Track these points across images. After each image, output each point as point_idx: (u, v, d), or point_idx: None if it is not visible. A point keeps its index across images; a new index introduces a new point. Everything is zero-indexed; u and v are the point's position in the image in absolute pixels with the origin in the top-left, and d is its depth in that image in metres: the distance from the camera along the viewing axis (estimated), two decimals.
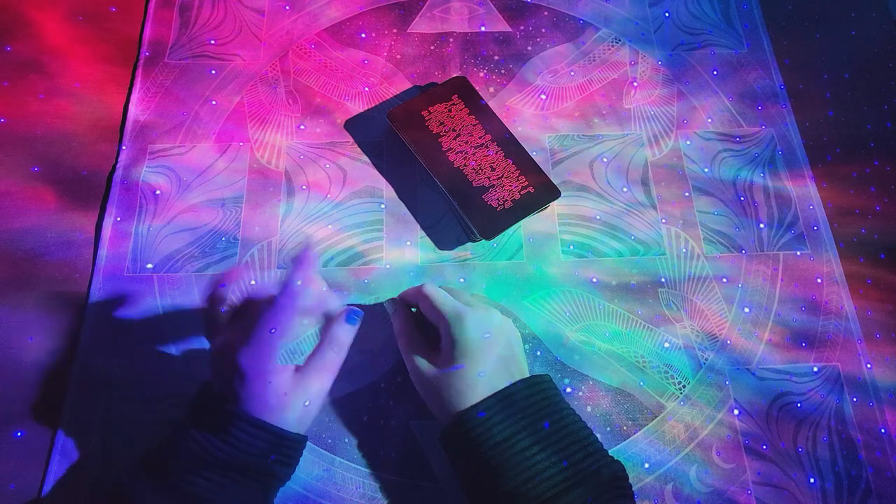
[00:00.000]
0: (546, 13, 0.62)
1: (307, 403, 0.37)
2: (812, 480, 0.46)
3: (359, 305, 0.49)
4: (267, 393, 0.36)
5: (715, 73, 0.60)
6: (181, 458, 0.34)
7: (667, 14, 0.63)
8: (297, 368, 0.38)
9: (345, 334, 0.40)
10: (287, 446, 0.36)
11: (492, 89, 0.58)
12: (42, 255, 0.49)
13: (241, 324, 0.37)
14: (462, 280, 0.50)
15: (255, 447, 0.35)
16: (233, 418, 0.35)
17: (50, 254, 0.49)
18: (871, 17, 0.63)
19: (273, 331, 0.36)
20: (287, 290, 0.36)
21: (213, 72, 0.57)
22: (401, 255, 0.51)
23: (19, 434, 0.44)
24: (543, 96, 0.58)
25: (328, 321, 0.40)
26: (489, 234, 0.49)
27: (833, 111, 0.59)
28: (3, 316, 0.47)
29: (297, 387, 0.37)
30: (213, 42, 0.58)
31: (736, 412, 0.47)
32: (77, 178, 0.52)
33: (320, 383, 0.38)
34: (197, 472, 0.34)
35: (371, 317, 0.49)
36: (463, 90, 0.55)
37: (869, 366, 0.49)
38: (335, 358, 0.39)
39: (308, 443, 0.44)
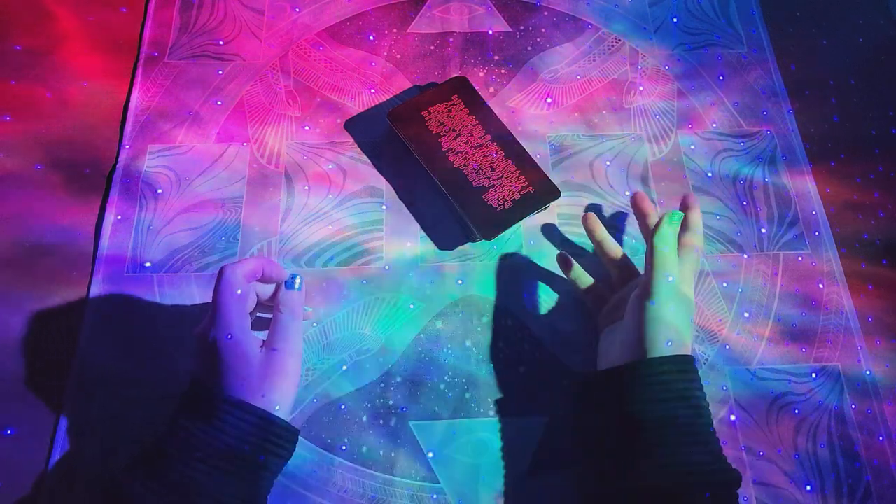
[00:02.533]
0: (546, 13, 0.62)
1: (283, 374, 0.38)
2: (812, 481, 0.45)
3: (358, 306, 0.49)
4: (243, 366, 0.36)
5: (721, 78, 0.60)
6: (172, 450, 0.35)
7: (675, 20, 0.63)
8: (263, 342, 0.39)
9: (291, 298, 0.41)
10: (274, 432, 0.36)
11: (492, 89, 0.58)
12: (42, 253, 0.49)
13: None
14: (460, 282, 0.50)
15: (240, 429, 0.35)
16: (216, 401, 0.35)
17: (50, 252, 0.49)
18: (878, 24, 0.63)
19: (239, 292, 0.38)
20: (230, 265, 0.39)
21: (220, 72, 0.57)
22: (401, 255, 0.51)
23: (9, 432, 0.44)
24: (549, 100, 0.58)
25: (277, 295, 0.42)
26: (489, 234, 0.49)
27: (838, 117, 0.59)
28: (3, 314, 0.47)
29: (268, 357, 0.38)
30: (221, 43, 0.58)
31: (735, 412, 0.47)
32: (78, 176, 0.52)
33: (287, 348, 0.39)
34: (188, 462, 0.34)
35: (371, 317, 0.49)
36: (463, 90, 0.55)
37: (868, 372, 0.49)
38: (290, 320, 0.40)
39: (308, 443, 0.44)
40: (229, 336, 0.37)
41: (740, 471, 0.46)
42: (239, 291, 0.38)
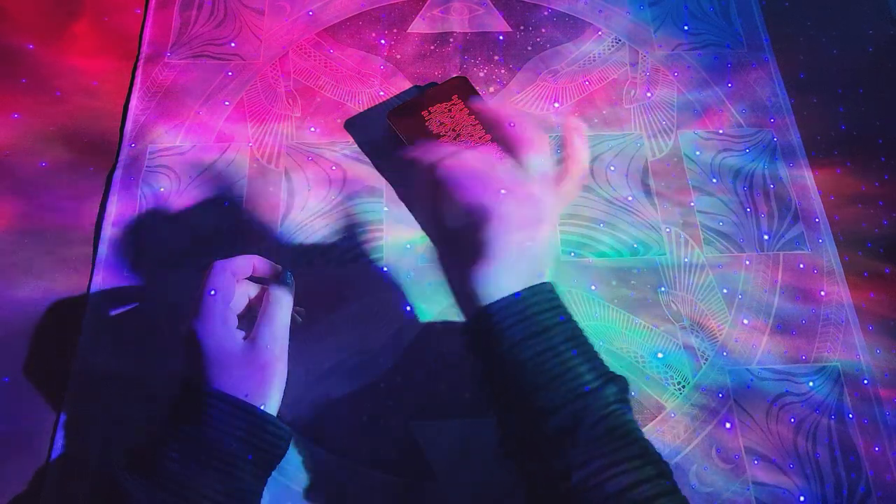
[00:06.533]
0: (546, 13, 0.62)
1: (266, 368, 0.38)
2: (811, 482, 0.46)
3: (358, 306, 0.49)
4: (224, 360, 0.37)
5: (722, 79, 0.60)
6: (163, 447, 0.35)
7: (685, 27, 0.63)
8: (247, 335, 0.39)
9: (282, 292, 0.41)
10: (260, 427, 0.36)
11: (492, 89, 0.58)
12: (43, 251, 0.49)
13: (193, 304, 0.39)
14: None
15: (224, 423, 0.35)
16: (200, 396, 0.36)
17: (51, 251, 0.49)
18: (889, 34, 0.63)
19: (213, 292, 0.38)
20: (220, 261, 0.40)
21: (220, 72, 0.57)
22: (400, 255, 0.51)
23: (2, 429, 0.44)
24: (556, 104, 0.58)
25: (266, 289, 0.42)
26: None
27: (845, 125, 0.58)
28: (3, 312, 0.47)
29: (251, 351, 0.38)
30: (233, 45, 0.58)
31: (735, 412, 0.47)
32: (82, 174, 0.52)
33: (270, 341, 0.38)
34: (177, 459, 0.34)
35: (371, 317, 0.49)
36: (463, 90, 0.55)
37: (867, 381, 0.49)
38: (279, 313, 0.40)
39: (308, 443, 0.44)
40: (210, 330, 0.37)
41: (738, 469, 0.46)
42: (221, 289, 0.38)
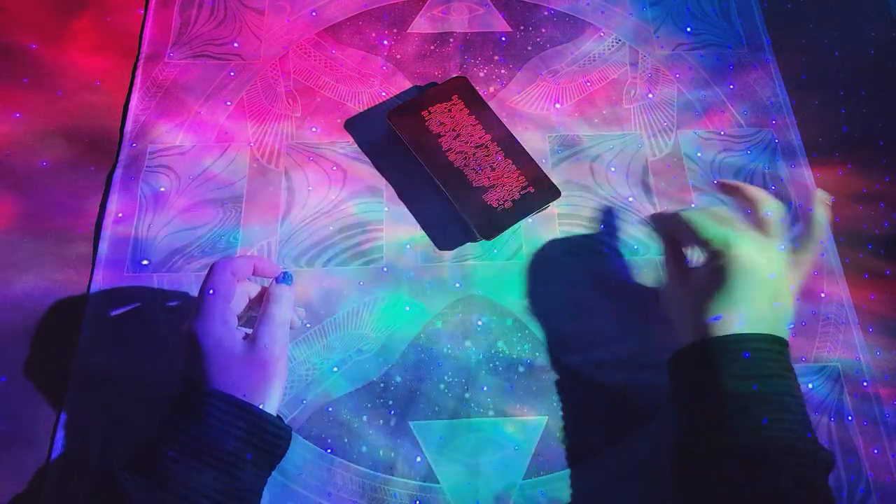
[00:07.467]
0: (546, 13, 0.62)
1: (265, 367, 0.37)
2: None
3: (358, 306, 0.49)
4: (224, 359, 0.37)
5: (722, 79, 0.60)
6: (162, 446, 0.35)
7: (688, 29, 0.62)
8: (247, 335, 0.39)
9: (282, 292, 0.41)
10: (259, 426, 0.36)
11: (492, 89, 0.58)
12: (43, 251, 0.49)
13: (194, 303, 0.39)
14: (460, 283, 0.50)
15: (222, 421, 0.35)
16: (198, 395, 0.36)
17: (50, 251, 0.49)
18: (891, 35, 0.63)
19: (213, 292, 0.38)
20: (220, 261, 0.40)
21: (220, 72, 0.57)
22: (400, 255, 0.51)
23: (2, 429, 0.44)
24: (557, 105, 0.58)
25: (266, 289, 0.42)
26: (489, 234, 0.49)
27: (847, 127, 0.58)
28: (3, 313, 0.47)
29: (251, 350, 0.38)
30: (236, 45, 0.58)
31: None
32: (82, 174, 0.52)
33: (270, 340, 0.38)
34: (175, 458, 0.34)
35: (370, 317, 0.49)
36: (463, 90, 0.55)
37: (866, 382, 0.49)
38: (278, 312, 0.39)
39: (308, 443, 0.44)
40: (210, 329, 0.37)
41: None
42: (222, 288, 0.38)
